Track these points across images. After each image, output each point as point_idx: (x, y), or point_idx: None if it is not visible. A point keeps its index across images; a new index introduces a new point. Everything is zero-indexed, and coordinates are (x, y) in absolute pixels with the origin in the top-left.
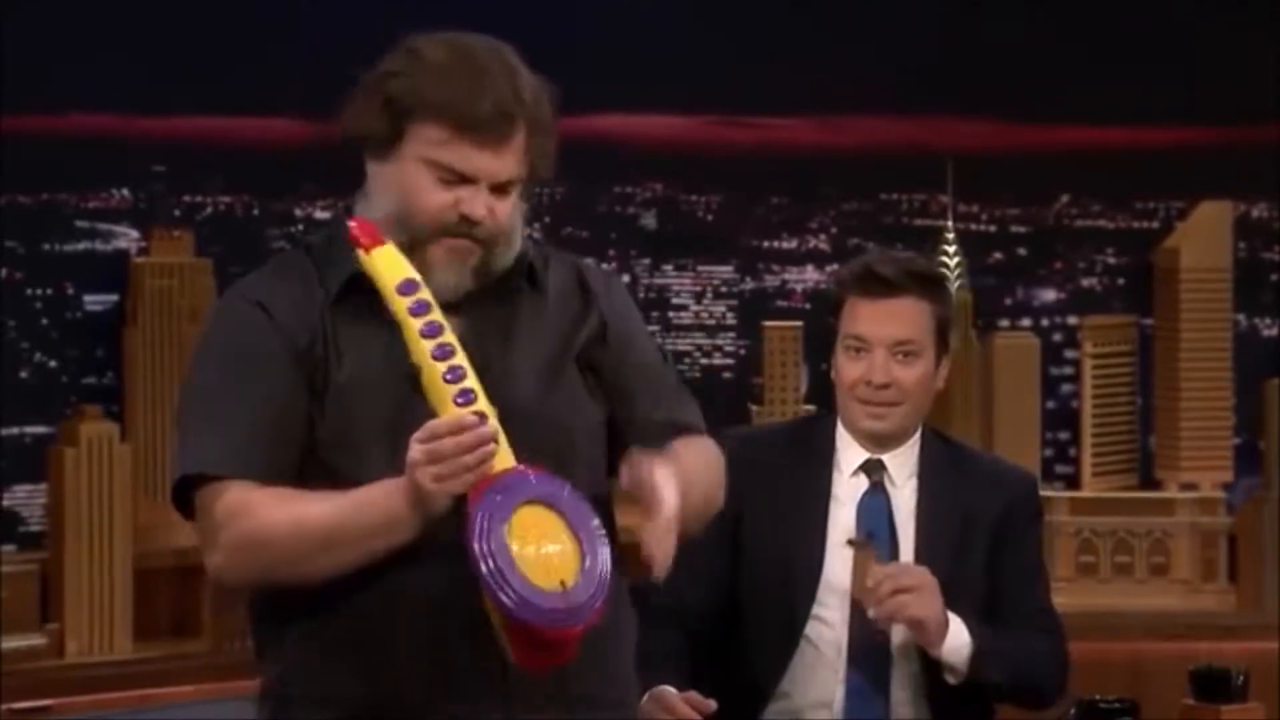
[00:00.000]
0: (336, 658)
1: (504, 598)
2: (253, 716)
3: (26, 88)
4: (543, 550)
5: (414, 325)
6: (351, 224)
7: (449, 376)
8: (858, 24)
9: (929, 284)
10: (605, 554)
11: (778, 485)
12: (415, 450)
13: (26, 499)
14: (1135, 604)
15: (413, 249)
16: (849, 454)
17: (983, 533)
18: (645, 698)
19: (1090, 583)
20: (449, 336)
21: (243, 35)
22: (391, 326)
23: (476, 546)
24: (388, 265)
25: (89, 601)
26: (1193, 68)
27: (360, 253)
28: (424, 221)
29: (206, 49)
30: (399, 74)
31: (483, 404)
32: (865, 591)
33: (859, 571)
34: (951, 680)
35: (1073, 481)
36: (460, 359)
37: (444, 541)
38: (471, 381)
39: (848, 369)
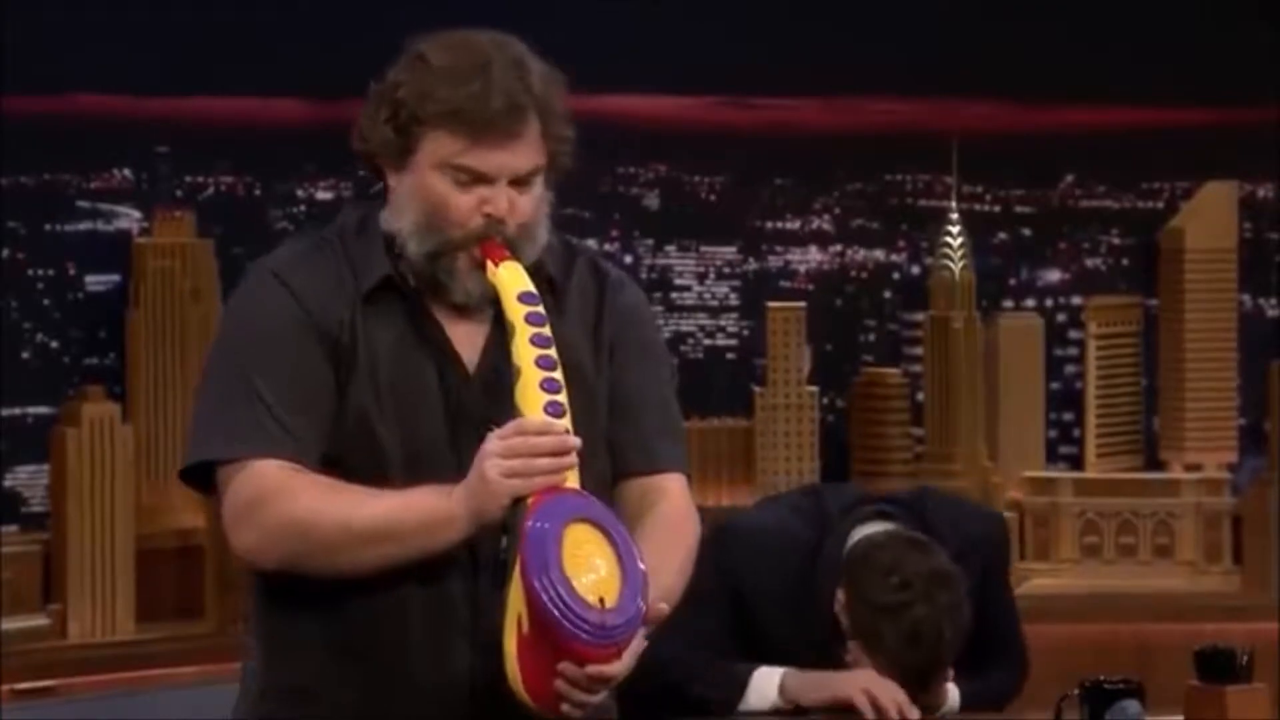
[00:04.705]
0: (343, 661)
1: (545, 596)
2: None
3: (29, 68)
4: (591, 565)
5: (526, 331)
6: (483, 246)
7: (546, 386)
8: (863, 5)
9: None
10: (642, 592)
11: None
12: (493, 442)
13: (29, 479)
14: (1140, 585)
15: (442, 257)
16: None
17: None
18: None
19: (1095, 564)
20: (553, 352)
21: (245, 17)
22: (415, 342)
23: (530, 549)
24: (512, 277)
25: (91, 582)
26: (1197, 49)
27: (490, 265)
28: (452, 227)
29: (209, 30)
30: (404, 83)
31: (568, 422)
32: None
33: None
34: None
35: (1077, 462)
36: (558, 374)
37: (461, 558)
38: (563, 398)
39: None
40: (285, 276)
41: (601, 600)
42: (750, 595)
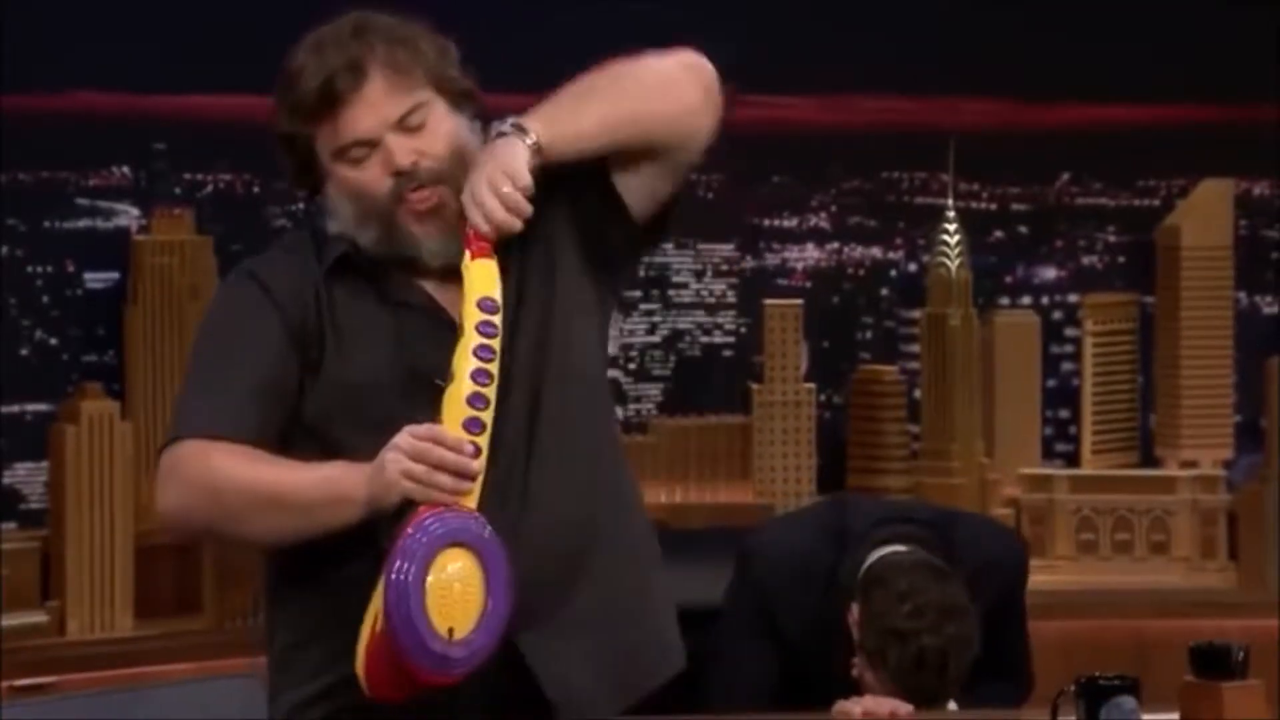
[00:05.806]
0: (329, 632)
1: (396, 609)
2: (253, 693)
3: (27, 65)
4: (451, 592)
5: (473, 340)
6: (470, 232)
7: (473, 401)
8: (860, 3)
9: None
10: (495, 631)
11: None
12: (404, 438)
13: (27, 477)
14: (1136, 582)
15: (391, 231)
16: None
17: None
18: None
19: (1090, 560)
20: (494, 366)
21: (245, 13)
22: (391, 309)
23: (398, 560)
24: (481, 277)
25: (90, 579)
26: (1194, 46)
27: (466, 255)
28: (374, 203)
29: (208, 26)
30: (277, 110)
31: (484, 440)
32: None
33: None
34: None
35: (1073, 459)
36: (491, 391)
37: None
38: (488, 416)
39: None
40: (251, 271)
41: (451, 630)
42: (783, 616)
